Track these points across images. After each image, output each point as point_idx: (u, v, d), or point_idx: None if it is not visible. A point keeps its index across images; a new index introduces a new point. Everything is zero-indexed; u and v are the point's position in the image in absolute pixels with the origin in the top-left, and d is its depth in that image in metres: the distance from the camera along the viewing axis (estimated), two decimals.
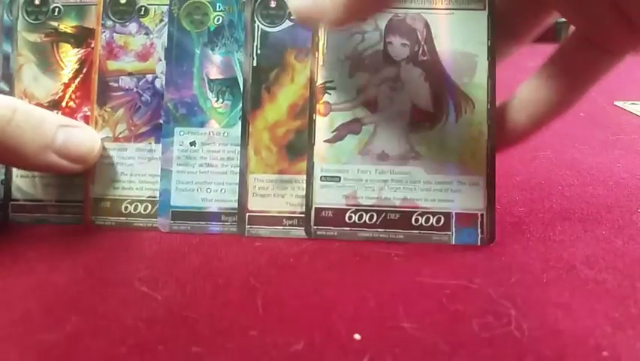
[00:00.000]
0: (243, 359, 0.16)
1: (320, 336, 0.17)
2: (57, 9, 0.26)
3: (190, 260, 0.22)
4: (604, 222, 0.25)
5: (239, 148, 0.24)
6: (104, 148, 0.25)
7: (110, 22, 0.25)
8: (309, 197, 0.23)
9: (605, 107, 0.50)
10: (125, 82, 0.25)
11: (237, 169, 0.24)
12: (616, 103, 0.51)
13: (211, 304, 0.19)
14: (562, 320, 0.18)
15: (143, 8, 0.25)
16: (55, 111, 0.25)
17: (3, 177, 0.25)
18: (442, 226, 0.23)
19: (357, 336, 0.17)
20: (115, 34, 0.25)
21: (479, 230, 0.23)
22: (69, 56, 0.25)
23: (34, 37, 0.26)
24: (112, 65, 0.25)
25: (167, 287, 0.20)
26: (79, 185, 0.25)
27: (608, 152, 0.37)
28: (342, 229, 0.23)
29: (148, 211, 0.24)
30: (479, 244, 0.23)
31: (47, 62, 0.25)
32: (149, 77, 0.25)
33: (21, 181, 0.25)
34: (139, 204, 0.24)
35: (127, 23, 0.25)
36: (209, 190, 0.24)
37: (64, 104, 0.25)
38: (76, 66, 0.25)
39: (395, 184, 0.23)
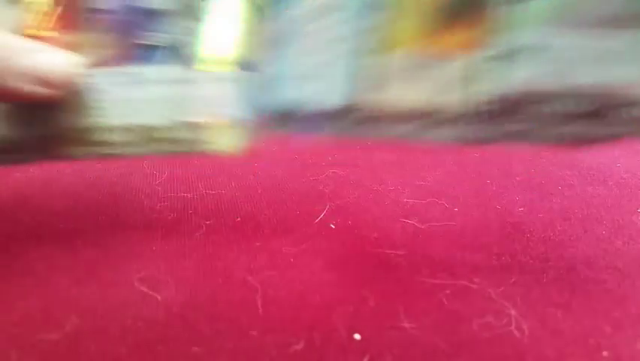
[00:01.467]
0: (243, 359, 0.16)
1: (320, 336, 0.17)
2: None
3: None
4: (604, 222, 0.25)
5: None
6: (82, 75, 0.22)
7: None
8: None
9: None
10: (105, 2, 0.22)
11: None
12: None
13: (211, 303, 0.19)
14: (562, 320, 0.18)
15: None
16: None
17: None
18: None
19: (357, 336, 0.17)
20: None
21: None
22: None
23: None
24: None
25: (167, 287, 0.20)
26: (53, 117, 0.22)
27: (608, 152, 0.37)
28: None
29: (123, 139, 0.22)
30: None
31: None
32: None
33: None
34: (112, 132, 0.22)
35: None
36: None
37: (47, 32, 0.23)
38: None
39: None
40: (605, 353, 0.16)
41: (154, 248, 0.23)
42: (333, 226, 0.24)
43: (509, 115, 0.17)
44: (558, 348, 0.16)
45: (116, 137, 0.22)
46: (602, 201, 0.28)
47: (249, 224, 0.24)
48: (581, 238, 0.24)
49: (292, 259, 0.22)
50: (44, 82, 0.21)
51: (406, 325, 0.17)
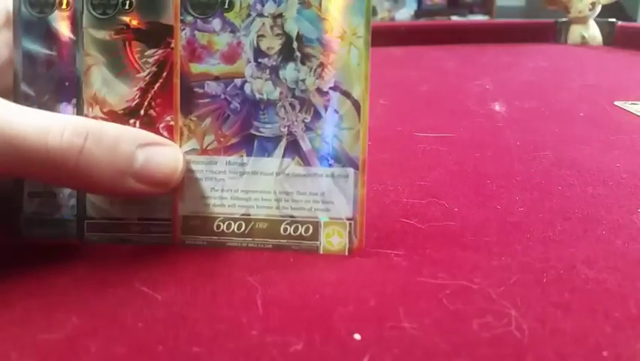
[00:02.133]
0: (243, 359, 0.16)
1: (320, 336, 0.17)
2: (127, 2, 0.22)
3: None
4: (604, 222, 0.25)
5: None
6: (191, 162, 0.22)
7: (189, 18, 0.22)
8: None
9: (605, 107, 0.50)
10: (212, 87, 0.22)
11: None
12: (616, 103, 0.51)
13: (211, 303, 0.19)
14: (562, 320, 0.18)
15: (227, 1, 0.22)
16: (133, 121, 0.22)
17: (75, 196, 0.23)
18: None
19: (357, 336, 0.17)
20: (196, 32, 0.22)
21: None
22: (145, 57, 0.22)
23: (102, 35, 0.22)
24: (195, 68, 0.22)
25: (167, 287, 0.20)
26: (163, 202, 0.22)
27: (608, 152, 0.37)
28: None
29: (242, 230, 0.22)
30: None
31: (120, 64, 0.22)
32: (238, 81, 0.22)
33: (96, 199, 0.23)
34: (232, 223, 0.22)
35: (209, 19, 0.22)
36: None
37: (142, 112, 0.22)
38: (154, 69, 0.22)
39: None
40: (605, 353, 0.16)
41: (155, 249, 0.23)
42: None
43: None
44: (558, 348, 0.16)
45: (226, 227, 0.22)
46: (602, 201, 0.28)
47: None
48: (581, 238, 0.24)
49: (292, 259, 0.22)
50: (154, 183, 0.21)
51: (406, 325, 0.17)
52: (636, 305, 0.19)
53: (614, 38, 1.00)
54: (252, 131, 0.22)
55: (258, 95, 0.22)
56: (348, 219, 0.22)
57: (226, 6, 0.22)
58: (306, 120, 0.22)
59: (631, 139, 0.40)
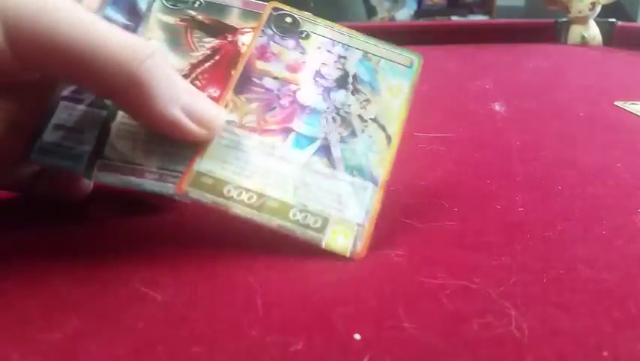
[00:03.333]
0: (243, 359, 0.16)
1: (320, 336, 0.17)
2: (199, 2, 0.26)
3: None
4: (604, 222, 0.25)
5: None
6: (226, 130, 0.23)
7: (270, 31, 0.26)
8: None
9: (605, 107, 0.50)
10: (268, 82, 0.25)
11: None
12: (616, 103, 0.51)
13: (211, 303, 0.19)
14: (562, 320, 0.18)
15: (305, 33, 0.26)
16: None
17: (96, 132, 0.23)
18: None
19: (357, 336, 0.17)
20: (272, 43, 0.26)
21: None
22: (202, 42, 0.25)
23: (168, 19, 0.25)
24: (260, 64, 0.25)
25: (167, 287, 0.20)
26: (187, 157, 0.23)
27: (609, 152, 0.37)
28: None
29: (251, 202, 0.22)
30: None
31: (178, 42, 0.25)
32: (293, 86, 0.25)
33: (119, 142, 0.23)
34: (243, 192, 0.22)
35: (286, 38, 0.26)
36: None
37: (189, 80, 0.24)
38: (208, 52, 0.25)
39: None
40: (605, 353, 0.16)
41: (155, 249, 0.23)
42: None
43: None
44: (558, 348, 0.16)
45: (236, 194, 0.22)
46: (603, 201, 0.28)
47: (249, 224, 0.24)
48: (581, 238, 0.24)
49: (292, 260, 0.22)
50: (197, 120, 0.22)
51: (406, 325, 0.17)
52: (636, 305, 0.19)
53: (614, 38, 1.00)
54: (292, 126, 0.24)
55: (307, 103, 0.25)
56: (357, 224, 0.22)
57: (303, 35, 0.26)
58: (342, 134, 0.24)
59: (631, 139, 0.40)
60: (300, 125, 0.24)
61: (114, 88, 0.20)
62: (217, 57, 0.25)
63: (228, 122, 0.23)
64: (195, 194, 0.22)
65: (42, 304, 0.19)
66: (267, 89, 0.25)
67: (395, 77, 0.26)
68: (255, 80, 0.25)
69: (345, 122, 0.25)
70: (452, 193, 0.29)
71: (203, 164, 0.23)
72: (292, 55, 0.26)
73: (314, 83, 0.25)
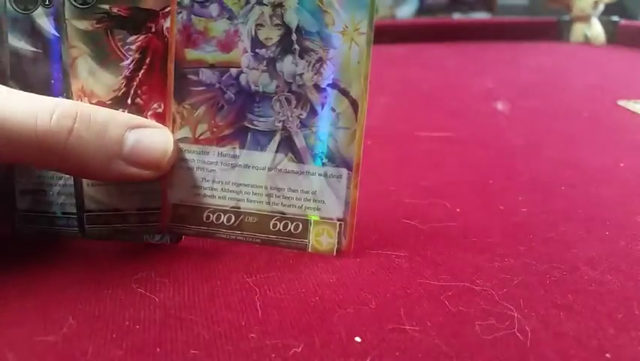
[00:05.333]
0: None
1: (320, 339, 0.17)
2: None
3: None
4: (607, 222, 0.25)
5: None
6: (183, 150, 0.22)
7: (186, 1, 0.22)
8: None
9: (608, 107, 0.50)
10: (207, 75, 0.22)
11: None
12: (619, 102, 0.51)
13: (209, 305, 0.19)
14: (565, 322, 0.18)
15: None
16: (121, 110, 0.22)
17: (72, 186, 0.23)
18: None
19: (357, 339, 0.17)
20: (193, 17, 0.22)
21: None
22: (127, 45, 0.22)
23: (85, 25, 0.22)
24: (190, 53, 0.22)
25: (164, 289, 0.19)
26: (160, 191, 0.22)
27: (611, 151, 0.36)
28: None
29: (231, 223, 0.22)
30: None
31: (104, 53, 0.22)
32: (233, 71, 0.22)
33: (93, 190, 0.22)
34: (222, 215, 0.22)
35: (207, 3, 0.22)
36: None
37: (129, 101, 0.22)
38: (137, 56, 0.22)
39: None
40: (608, 355, 0.16)
41: (153, 249, 0.23)
42: None
43: None
44: (561, 350, 0.16)
45: (215, 218, 0.22)
46: (606, 202, 0.28)
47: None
48: (584, 239, 0.24)
49: (292, 261, 0.22)
50: (144, 165, 0.21)
51: (408, 327, 0.17)
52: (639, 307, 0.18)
53: (616, 37, 0.99)
54: (246, 124, 0.22)
55: (253, 87, 0.22)
56: (338, 219, 0.22)
57: None
58: (301, 116, 0.22)
59: (634, 139, 0.40)
60: (253, 119, 0.22)
61: (51, 166, 0.20)
62: (148, 59, 0.22)
63: (182, 139, 0.22)
64: (178, 228, 0.22)
65: (39, 305, 0.18)
66: (208, 85, 0.22)
67: (346, 12, 0.21)
68: (191, 77, 0.22)
69: (301, 99, 0.22)
70: (454, 193, 0.29)
71: (175, 194, 0.22)
72: (220, 25, 0.22)
73: (254, 57, 0.22)
